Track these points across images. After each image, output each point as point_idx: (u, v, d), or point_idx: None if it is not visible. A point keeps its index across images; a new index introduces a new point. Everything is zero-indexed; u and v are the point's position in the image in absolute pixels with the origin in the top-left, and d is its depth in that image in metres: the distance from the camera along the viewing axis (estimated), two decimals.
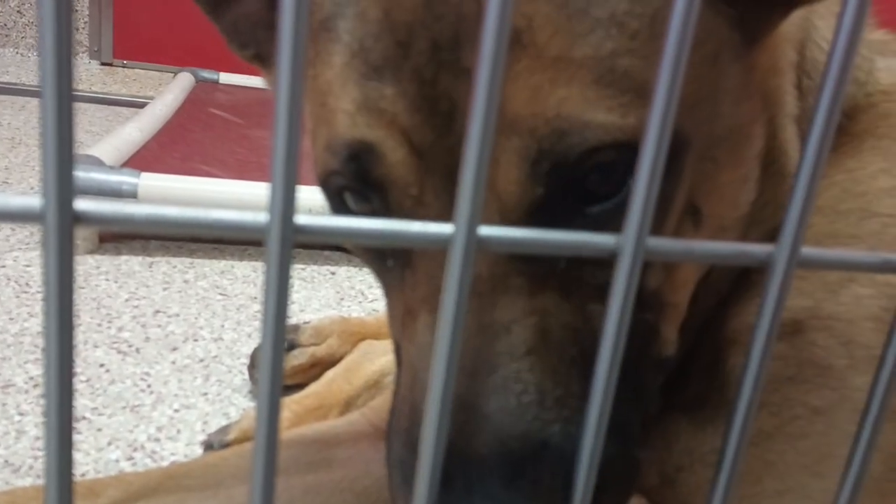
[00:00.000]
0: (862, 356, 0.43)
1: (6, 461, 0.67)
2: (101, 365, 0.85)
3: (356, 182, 0.38)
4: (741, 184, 0.42)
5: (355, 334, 0.91)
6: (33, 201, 0.17)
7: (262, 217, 0.17)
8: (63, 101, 0.16)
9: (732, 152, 0.40)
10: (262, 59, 0.53)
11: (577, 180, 0.34)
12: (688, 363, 0.51)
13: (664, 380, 0.52)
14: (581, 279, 0.37)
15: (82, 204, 0.17)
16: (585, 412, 0.21)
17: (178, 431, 0.76)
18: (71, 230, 0.17)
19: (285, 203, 0.17)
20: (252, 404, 0.82)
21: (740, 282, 0.48)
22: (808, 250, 0.21)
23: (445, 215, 0.35)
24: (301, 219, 0.17)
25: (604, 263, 0.36)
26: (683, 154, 0.36)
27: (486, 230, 0.19)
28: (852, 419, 0.42)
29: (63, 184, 0.16)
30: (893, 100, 0.50)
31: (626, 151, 0.34)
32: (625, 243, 0.19)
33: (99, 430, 0.74)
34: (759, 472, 0.46)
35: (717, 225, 0.41)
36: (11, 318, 0.92)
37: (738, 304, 0.47)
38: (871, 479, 0.44)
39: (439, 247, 0.18)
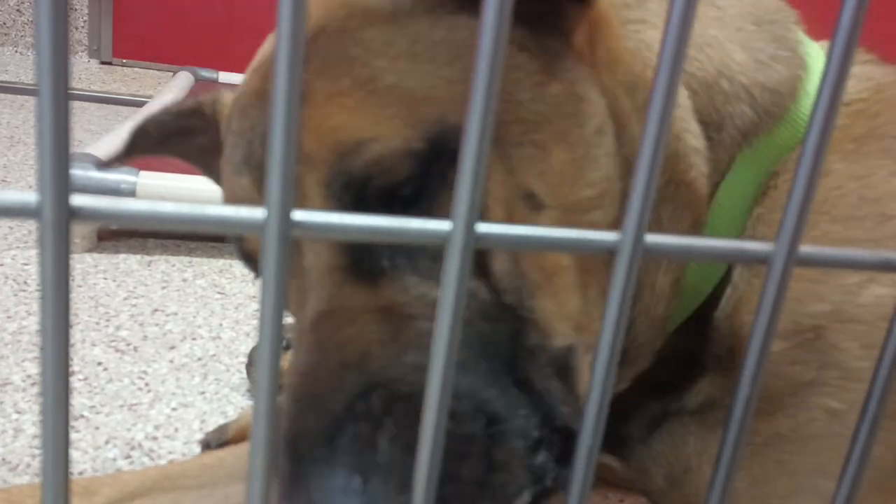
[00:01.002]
0: None
1: (4, 459, 0.67)
2: (99, 363, 0.85)
3: (241, 253, 0.49)
4: (583, 163, 0.43)
5: None
6: (30, 197, 0.17)
7: (258, 213, 0.17)
8: (59, 96, 0.16)
9: (560, 134, 0.42)
10: None
11: (383, 195, 0.39)
12: (693, 365, 0.51)
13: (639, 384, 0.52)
14: (396, 299, 0.40)
15: (79, 199, 0.17)
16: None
17: (176, 430, 0.75)
18: (67, 225, 0.17)
19: (282, 198, 0.16)
20: (250, 403, 0.82)
21: (751, 281, 0.48)
22: (806, 248, 0.20)
23: (295, 272, 0.44)
24: (298, 214, 0.17)
25: (410, 280, 0.40)
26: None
27: (484, 227, 0.19)
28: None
29: (59, 179, 0.16)
30: (876, 101, 0.51)
31: (406, 159, 0.39)
32: (623, 241, 0.19)
33: (97, 428, 0.74)
34: (771, 472, 0.46)
35: (563, 205, 0.42)
36: (9, 317, 0.92)
37: (753, 308, 0.47)
38: (880, 476, 0.44)
39: (438, 242, 0.18)
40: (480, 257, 0.40)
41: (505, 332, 0.40)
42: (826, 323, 0.45)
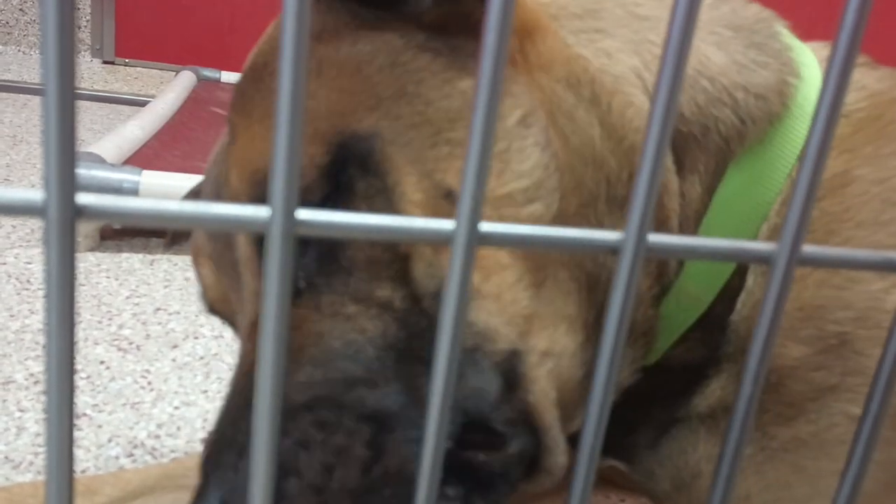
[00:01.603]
0: None
1: (6, 457, 0.67)
2: (102, 362, 0.85)
3: (208, 307, 0.52)
4: (506, 155, 0.42)
5: None
6: (35, 195, 0.17)
7: (263, 211, 0.17)
8: (65, 94, 0.16)
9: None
10: None
11: None
12: (700, 373, 0.51)
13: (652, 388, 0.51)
14: (307, 316, 0.41)
15: (84, 197, 0.17)
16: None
17: (179, 429, 0.76)
18: (73, 224, 0.17)
19: (287, 196, 0.17)
20: None
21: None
22: (809, 248, 0.21)
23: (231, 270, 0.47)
24: (302, 213, 0.17)
25: (325, 298, 0.41)
26: (374, 148, 0.40)
27: (487, 226, 0.19)
28: (892, 425, 0.42)
29: (65, 177, 0.16)
30: (877, 104, 0.50)
31: (315, 176, 0.41)
32: (626, 240, 0.19)
33: (99, 426, 0.74)
34: (788, 477, 0.46)
35: (490, 199, 0.42)
36: (12, 315, 0.92)
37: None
38: (893, 479, 0.44)
39: (441, 242, 0.18)
40: (401, 264, 0.39)
41: (428, 340, 0.39)
42: (851, 329, 0.44)
